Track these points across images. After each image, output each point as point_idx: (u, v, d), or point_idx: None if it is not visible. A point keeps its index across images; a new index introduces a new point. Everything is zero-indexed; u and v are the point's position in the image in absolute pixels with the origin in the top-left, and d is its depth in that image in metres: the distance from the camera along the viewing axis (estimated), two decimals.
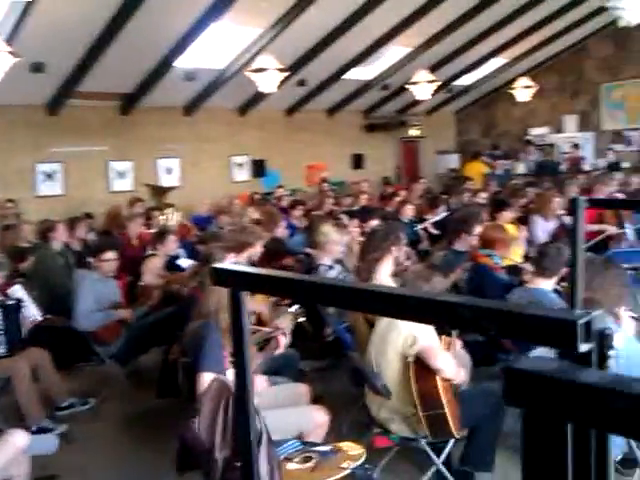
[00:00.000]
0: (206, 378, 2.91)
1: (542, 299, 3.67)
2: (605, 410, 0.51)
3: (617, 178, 9.57)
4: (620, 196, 8.23)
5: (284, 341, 3.66)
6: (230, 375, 3.15)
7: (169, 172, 10.11)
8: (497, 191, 9.98)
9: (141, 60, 8.25)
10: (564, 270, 3.86)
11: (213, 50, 8.61)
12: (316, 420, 3.27)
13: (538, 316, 0.63)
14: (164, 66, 8.42)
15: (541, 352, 2.86)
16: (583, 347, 0.60)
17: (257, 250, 5.05)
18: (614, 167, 11.58)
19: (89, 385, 4.97)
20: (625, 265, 6.34)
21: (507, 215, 6.45)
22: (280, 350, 3.63)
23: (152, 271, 5.34)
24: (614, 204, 4.34)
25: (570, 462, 0.60)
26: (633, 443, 2.90)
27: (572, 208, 1.70)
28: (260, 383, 3.30)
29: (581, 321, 0.59)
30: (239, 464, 2.50)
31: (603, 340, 0.60)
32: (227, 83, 9.33)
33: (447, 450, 3.22)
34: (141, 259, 5.60)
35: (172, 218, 8.32)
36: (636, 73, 12.90)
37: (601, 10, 10.15)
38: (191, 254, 6.07)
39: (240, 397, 1.03)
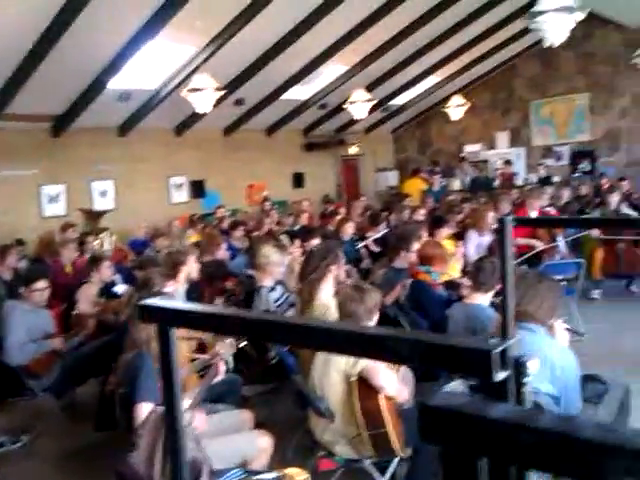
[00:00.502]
0: (143, 409, 2.82)
1: (479, 314, 3.74)
2: (513, 445, 0.51)
3: (548, 192, 9.91)
4: (551, 210, 8.54)
5: (223, 368, 3.60)
6: None
7: (103, 195, 9.84)
8: (434, 207, 10.19)
9: (73, 80, 8.04)
10: (499, 284, 3.95)
11: (147, 70, 8.48)
12: (259, 445, 3.22)
13: (456, 346, 0.64)
14: (97, 86, 8.23)
15: (455, 385, 2.92)
16: (498, 376, 0.60)
17: (191, 267, 4.97)
18: (545, 181, 12.02)
19: (22, 421, 4.74)
20: (558, 277, 6.62)
21: (444, 231, 6.58)
22: (219, 377, 3.55)
23: (86, 299, 5.16)
24: (539, 222, 4.51)
25: None
26: None
27: (499, 227, 1.74)
28: (200, 420, 3.21)
29: (495, 350, 0.60)
30: None
31: (519, 368, 0.61)
32: (162, 103, 9.21)
33: (391, 469, 3.22)
34: (75, 287, 5.41)
35: (107, 243, 8.10)
36: (562, 90, 13.49)
37: (527, 30, 10.58)
38: (128, 280, 5.91)
39: (172, 435, 0.99)
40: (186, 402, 3.27)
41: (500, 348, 0.60)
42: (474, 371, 0.62)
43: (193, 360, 3.93)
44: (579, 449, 0.48)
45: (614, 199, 8.12)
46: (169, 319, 0.93)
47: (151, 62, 8.28)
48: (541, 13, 5.42)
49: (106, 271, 5.61)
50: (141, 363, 3.01)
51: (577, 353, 3.42)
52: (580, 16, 5.40)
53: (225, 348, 3.59)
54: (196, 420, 3.13)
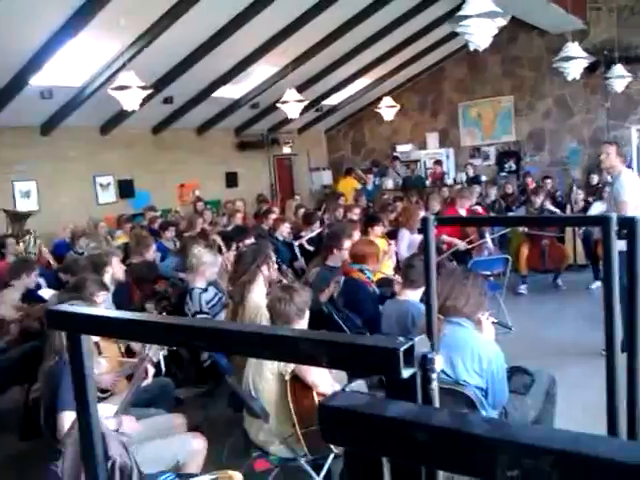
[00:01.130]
0: (66, 418, 2.72)
1: (410, 310, 3.80)
2: (409, 443, 0.52)
3: (477, 191, 10.21)
4: (479, 208, 8.80)
5: (152, 370, 3.52)
6: None
7: (26, 196, 9.44)
8: (368, 206, 10.32)
9: None
10: None
11: (71, 67, 8.18)
12: (193, 447, 3.16)
13: (363, 345, 0.64)
14: (18, 84, 7.88)
15: (359, 384, 2.98)
16: (405, 373, 0.61)
17: (115, 269, 4.84)
18: (474, 180, 12.36)
19: None
20: (487, 272, 6.83)
21: (378, 230, 6.67)
22: (148, 380, 3.47)
23: (8, 304, 4.93)
24: (460, 221, 4.66)
25: None
26: None
27: (423, 226, 1.77)
28: (129, 424, 3.13)
29: (402, 348, 0.61)
30: None
31: (426, 364, 0.62)
32: (87, 101, 8.91)
33: (326, 466, 3.22)
34: None
35: (31, 245, 7.78)
36: (489, 93, 13.92)
37: (454, 34, 10.87)
38: (52, 284, 5.68)
39: (86, 447, 0.94)
40: (113, 407, 3.17)
41: (407, 345, 0.61)
42: (382, 369, 0.63)
43: (122, 364, 3.82)
44: (469, 445, 0.49)
45: (539, 198, 8.44)
46: (79, 326, 0.88)
47: (75, 59, 8.00)
48: (465, 17, 5.55)
49: (30, 274, 5.38)
50: (61, 371, 2.91)
51: (505, 346, 3.53)
52: (502, 22, 5.57)
53: (154, 351, 3.50)
54: (125, 424, 3.05)
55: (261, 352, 0.79)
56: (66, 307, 0.87)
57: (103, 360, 3.80)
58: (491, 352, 3.09)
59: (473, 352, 3.05)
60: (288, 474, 3.36)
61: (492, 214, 9.31)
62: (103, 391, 3.69)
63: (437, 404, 0.63)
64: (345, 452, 0.62)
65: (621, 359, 1.57)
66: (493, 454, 0.47)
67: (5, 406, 4.74)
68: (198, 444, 3.18)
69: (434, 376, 0.63)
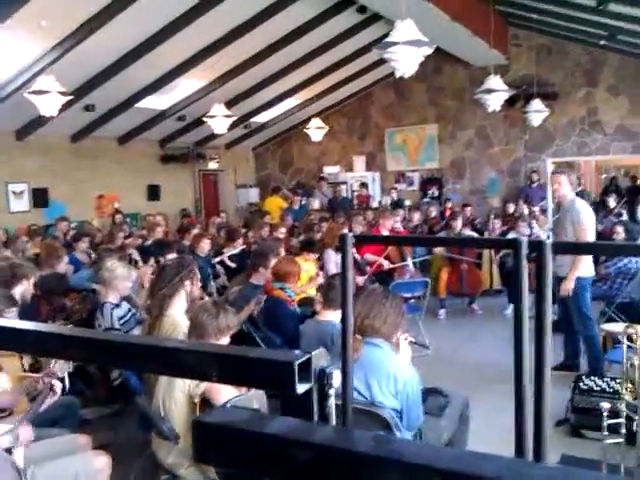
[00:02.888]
0: None
1: (331, 329, 3.76)
2: (290, 461, 0.46)
3: (400, 214, 10.40)
4: (401, 229, 8.96)
5: (59, 387, 3.30)
6: None
7: None
8: (294, 226, 10.30)
9: None
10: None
11: None
12: (96, 466, 2.99)
13: (258, 359, 0.60)
14: None
15: (243, 399, 2.93)
16: (301, 388, 0.57)
17: (28, 287, 4.56)
18: (398, 204, 12.61)
19: None
20: (407, 294, 6.92)
21: (312, 255, 6.71)
22: (55, 398, 3.25)
23: None
24: (378, 240, 4.73)
25: None
26: None
27: (340, 244, 1.73)
28: (26, 433, 2.92)
29: (298, 361, 0.57)
30: None
31: (323, 379, 0.56)
32: (2, 104, 8.47)
33: None
34: None
35: None
36: (414, 120, 14.29)
37: (382, 61, 11.11)
38: None
39: None
40: (8, 426, 2.95)
41: (302, 359, 0.57)
42: (276, 384, 0.59)
43: (23, 379, 3.57)
44: (354, 463, 0.45)
45: (457, 223, 8.67)
46: None
47: None
48: (393, 44, 5.66)
49: None
50: None
51: (422, 368, 3.54)
52: (428, 50, 5.71)
53: (60, 366, 3.29)
54: (22, 435, 2.84)
55: (146, 365, 0.71)
56: None
57: (2, 376, 3.54)
58: (407, 374, 3.08)
59: (389, 373, 3.04)
60: None
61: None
62: (1, 410, 3.43)
63: (334, 422, 0.57)
64: (222, 473, 0.55)
65: (529, 383, 1.57)
66: (379, 474, 0.43)
67: None
68: (101, 462, 3.02)
69: (332, 392, 0.58)
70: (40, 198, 10.36)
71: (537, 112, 10.54)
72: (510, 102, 11.38)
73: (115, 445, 3.94)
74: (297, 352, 0.58)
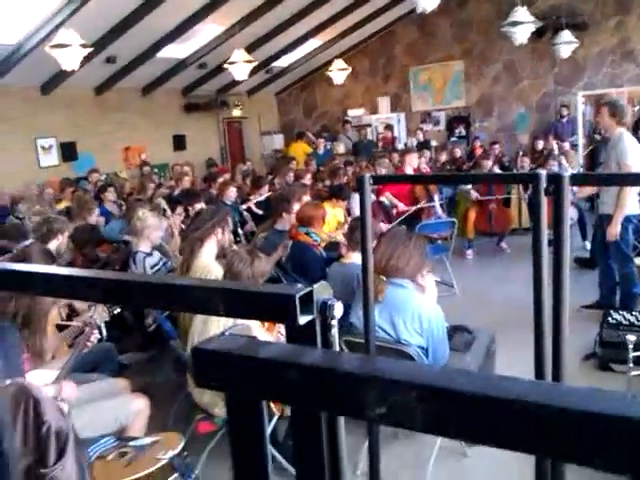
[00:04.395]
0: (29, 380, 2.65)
1: (355, 271, 3.81)
2: (282, 383, 0.50)
3: (426, 155, 10.28)
4: (427, 170, 8.88)
5: (96, 336, 3.44)
6: (31, 378, 2.90)
7: None
8: (318, 170, 10.28)
9: None
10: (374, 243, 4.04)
11: (5, 23, 7.77)
12: (134, 408, 3.14)
13: (261, 293, 0.63)
14: None
15: (238, 328, 2.98)
16: (302, 319, 0.60)
17: (63, 241, 4.71)
18: (424, 145, 12.43)
19: None
20: (434, 235, 6.93)
21: (342, 202, 6.70)
22: (90, 345, 3.40)
23: None
24: (395, 179, 4.69)
25: (267, 439, 0.60)
26: None
27: (359, 185, 1.76)
28: (69, 390, 3.07)
29: (299, 294, 0.59)
30: (44, 470, 2.29)
31: (325, 311, 0.60)
32: (25, 59, 8.50)
33: (271, 427, 3.24)
34: None
35: None
36: (440, 57, 13.93)
37: None
38: None
39: None
40: (53, 373, 3.10)
41: (304, 292, 0.60)
42: (279, 316, 0.62)
43: (63, 328, 3.73)
44: (339, 383, 0.49)
45: (488, 163, 8.55)
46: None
47: (10, 15, 7.59)
48: None
49: None
50: (2, 336, 2.80)
51: (449, 306, 3.60)
52: None
53: (98, 314, 3.43)
54: (64, 391, 2.99)
55: (156, 302, 0.76)
56: None
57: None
58: (431, 312, 3.14)
59: (414, 312, 3.10)
60: None
61: None
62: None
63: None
64: (226, 398, 0.60)
65: (547, 309, 1.60)
66: (362, 391, 0.47)
67: None
68: (140, 403, 3.16)
69: (334, 322, 0.62)
70: (69, 152, 10.49)
71: (566, 44, 10.19)
72: (538, 34, 11.00)
73: (152, 388, 4.12)
74: (299, 285, 0.62)
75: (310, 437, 0.60)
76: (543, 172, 1.59)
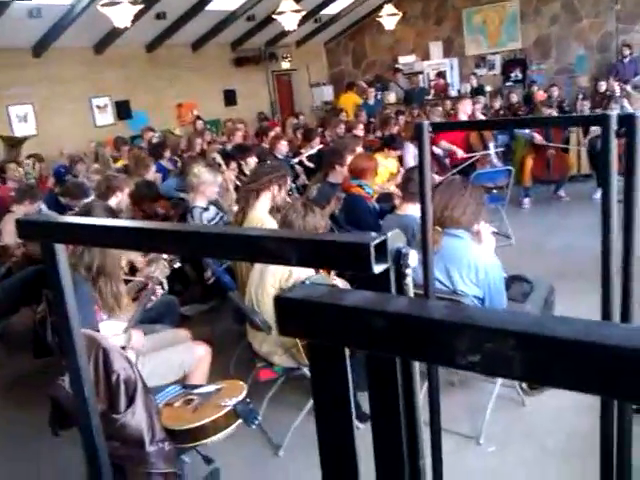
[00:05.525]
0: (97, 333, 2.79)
1: (411, 223, 3.79)
2: (366, 330, 0.50)
3: (481, 101, 9.98)
4: (482, 117, 8.62)
5: (159, 291, 3.57)
6: (103, 328, 3.05)
7: (24, 120, 9.30)
8: (369, 121, 10.13)
9: None
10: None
11: None
12: (197, 354, 3.26)
13: (333, 242, 0.62)
14: (2, 2, 7.59)
15: (318, 277, 3.00)
16: (377, 268, 0.59)
17: (124, 199, 4.84)
18: (478, 91, 12.06)
19: None
20: (490, 184, 6.78)
21: (394, 152, 6.63)
22: (155, 299, 3.52)
23: (11, 230, 4.95)
24: (455, 126, 4.52)
25: (351, 385, 0.60)
26: None
27: (417, 133, 1.72)
28: (138, 338, 3.21)
29: (374, 243, 0.58)
30: (115, 416, 2.43)
31: (400, 259, 0.59)
32: (78, 19, 8.60)
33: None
34: None
35: (32, 170, 7.74)
36: None
37: None
38: (54, 207, 5.69)
39: (70, 355, 0.95)
40: (121, 324, 3.25)
41: (378, 240, 0.59)
42: (354, 265, 0.60)
43: (126, 283, 3.87)
44: (428, 330, 0.48)
45: (549, 111, 8.23)
46: (52, 234, 0.87)
47: None
48: None
49: (33, 200, 5.37)
50: (75, 288, 2.93)
51: (506, 256, 3.55)
52: None
53: (159, 270, 3.54)
54: (134, 339, 3.13)
55: (229, 253, 0.78)
56: (38, 216, 0.86)
57: None
58: (488, 262, 3.11)
59: (470, 263, 3.07)
60: (292, 382, 3.47)
61: None
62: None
63: None
64: (308, 345, 0.62)
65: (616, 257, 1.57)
66: (453, 339, 0.46)
67: (17, 328, 4.86)
68: (202, 350, 3.27)
69: (408, 271, 0.61)
70: (123, 110, 10.67)
71: None
72: None
73: (213, 338, 4.25)
74: (372, 234, 0.60)
75: (387, 386, 0.60)
76: (614, 113, 1.53)
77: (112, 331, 3.10)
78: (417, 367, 0.64)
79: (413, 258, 0.63)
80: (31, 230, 0.88)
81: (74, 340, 0.92)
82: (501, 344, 0.44)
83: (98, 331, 2.94)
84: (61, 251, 0.87)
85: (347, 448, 0.63)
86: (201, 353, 3.23)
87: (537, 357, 0.44)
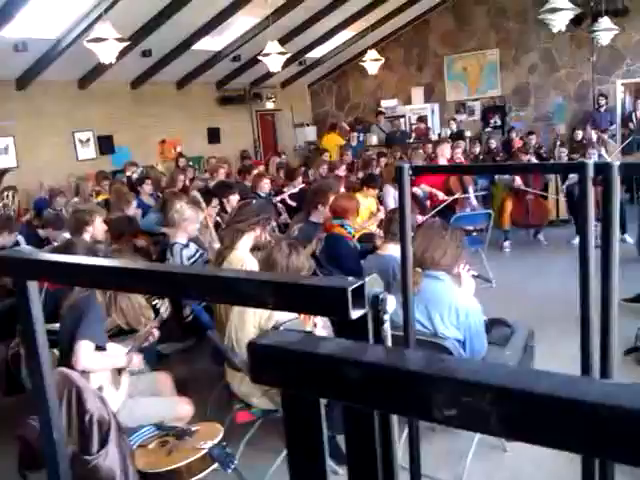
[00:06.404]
0: (84, 347, 2.79)
1: (392, 263, 3.79)
2: (340, 380, 0.49)
3: (461, 145, 10.14)
4: (462, 160, 8.76)
5: (156, 332, 3.54)
6: (110, 348, 3.04)
7: (4, 152, 9.24)
8: (353, 162, 10.24)
9: None
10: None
11: (45, 18, 7.91)
12: (179, 413, 3.17)
13: (311, 285, 0.61)
14: None
15: (295, 322, 2.99)
16: (355, 314, 0.58)
17: (97, 228, 4.78)
18: (458, 136, 12.28)
19: None
20: (469, 227, 6.84)
21: (373, 191, 6.69)
22: (151, 339, 3.48)
23: None
24: (436, 170, 4.59)
25: (325, 437, 0.58)
26: None
27: (397, 175, 1.74)
28: (137, 360, 3.21)
29: (351, 287, 0.57)
30: (88, 457, 2.35)
31: (378, 305, 0.58)
32: (63, 54, 8.65)
33: None
34: None
35: (12, 202, 7.66)
36: (475, 45, 13.71)
37: None
38: (32, 240, 5.61)
39: (40, 397, 0.91)
40: (124, 348, 3.20)
41: (356, 285, 0.58)
42: (330, 310, 0.60)
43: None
44: (404, 382, 0.46)
45: (527, 157, 8.38)
46: (27, 271, 0.84)
47: (49, 10, 7.72)
48: None
49: (11, 232, 5.29)
50: (90, 304, 2.98)
51: (486, 299, 3.55)
52: None
53: (165, 306, 3.53)
54: (134, 361, 3.14)
55: (203, 294, 0.76)
56: (15, 252, 0.83)
57: None
58: (468, 305, 3.10)
59: (450, 305, 3.07)
60: (270, 425, 3.40)
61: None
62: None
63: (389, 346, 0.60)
64: (281, 395, 0.59)
65: (594, 302, 1.57)
66: (429, 391, 0.44)
67: None
68: (184, 409, 3.19)
69: (386, 317, 0.60)
70: (106, 145, 10.66)
71: (606, 31, 9.92)
72: (576, 21, 10.73)
73: (191, 378, 4.17)
74: (350, 278, 0.60)
75: (364, 436, 0.59)
76: (590, 161, 1.55)
77: (116, 352, 3.09)
78: (395, 417, 0.62)
79: (391, 303, 0.62)
80: (4, 266, 0.85)
81: (44, 381, 0.89)
82: (478, 398, 0.43)
83: (105, 349, 2.98)
84: (34, 288, 0.84)
85: None
86: (183, 412, 3.15)
87: (514, 413, 0.42)
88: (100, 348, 2.94)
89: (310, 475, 0.60)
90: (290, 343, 0.54)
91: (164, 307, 3.45)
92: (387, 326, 0.60)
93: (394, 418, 0.63)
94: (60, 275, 0.85)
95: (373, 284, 0.59)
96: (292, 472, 0.62)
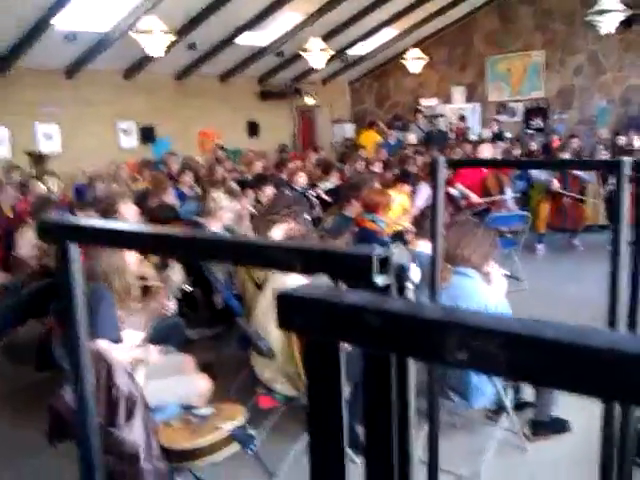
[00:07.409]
0: (101, 345, 2.81)
1: (420, 259, 3.80)
2: (362, 327, 0.52)
3: (500, 146, 10.04)
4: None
5: (172, 305, 3.60)
6: (125, 339, 3.09)
7: (49, 138, 9.52)
8: (388, 160, 10.22)
9: (16, 18, 7.66)
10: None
11: (96, 10, 8.12)
12: (198, 388, 3.24)
13: (338, 252, 0.64)
14: (42, 25, 7.86)
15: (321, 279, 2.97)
16: (379, 280, 0.60)
17: (126, 213, 4.88)
18: (498, 137, 12.14)
19: None
20: (504, 228, 6.77)
21: (406, 187, 6.69)
22: (165, 311, 3.55)
23: (27, 242, 5.04)
24: (472, 163, 4.55)
25: (343, 379, 0.62)
26: (501, 392, 3.10)
27: (432, 169, 1.74)
28: (155, 354, 3.24)
29: (377, 255, 0.60)
30: (112, 429, 2.44)
31: (401, 274, 0.61)
32: (112, 45, 8.87)
33: None
34: (16, 230, 5.27)
35: (54, 187, 7.88)
36: (519, 46, 13.53)
37: None
38: None
39: (73, 363, 0.97)
40: (138, 334, 3.26)
41: (382, 253, 0.61)
42: (356, 276, 0.62)
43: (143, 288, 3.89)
44: (420, 329, 0.50)
45: (564, 156, 8.26)
46: (69, 234, 0.90)
47: (100, 3, 7.92)
48: None
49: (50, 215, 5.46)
50: (99, 297, 2.95)
51: (518, 302, 3.53)
52: None
53: (176, 273, 3.58)
54: (152, 355, 3.15)
55: (238, 260, 0.80)
56: (57, 217, 0.89)
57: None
58: (498, 302, 3.10)
59: (479, 302, 3.07)
60: (292, 413, 3.45)
61: (515, 172, 9.16)
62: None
63: None
64: (306, 343, 0.63)
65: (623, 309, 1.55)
66: (442, 337, 0.48)
67: (22, 338, 4.89)
68: (203, 384, 3.25)
69: (410, 286, 0.63)
70: (147, 135, 10.88)
71: None
72: (626, 23, 10.49)
73: (216, 363, 4.25)
74: (378, 247, 0.63)
75: (381, 381, 0.61)
76: (628, 159, 1.53)
77: (131, 341, 3.12)
78: (412, 364, 0.65)
79: (415, 274, 0.65)
80: (47, 230, 0.91)
81: (80, 347, 0.95)
82: (487, 342, 0.47)
83: (121, 341, 2.97)
84: (75, 251, 0.89)
85: (337, 446, 0.64)
86: (202, 388, 3.20)
87: (521, 356, 0.46)
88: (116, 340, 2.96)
89: (328, 422, 0.63)
90: (316, 294, 0.57)
91: (176, 276, 3.50)
92: (411, 295, 0.63)
93: (411, 364, 0.65)
94: (101, 238, 0.90)
95: (400, 256, 0.62)
96: (311, 409, 0.65)
